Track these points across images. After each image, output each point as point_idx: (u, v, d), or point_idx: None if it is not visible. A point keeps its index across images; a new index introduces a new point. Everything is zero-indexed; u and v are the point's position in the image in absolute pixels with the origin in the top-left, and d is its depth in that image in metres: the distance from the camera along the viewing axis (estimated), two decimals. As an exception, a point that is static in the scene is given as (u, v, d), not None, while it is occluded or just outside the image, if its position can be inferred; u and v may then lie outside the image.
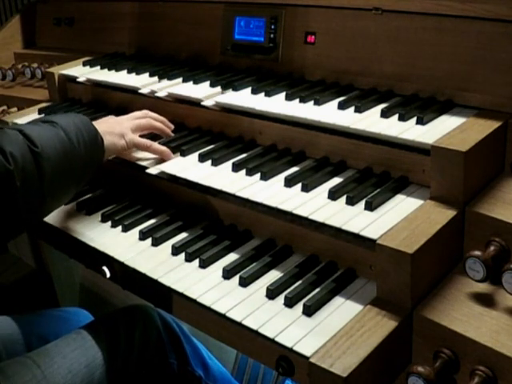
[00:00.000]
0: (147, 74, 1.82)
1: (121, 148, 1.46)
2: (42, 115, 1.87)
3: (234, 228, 1.36)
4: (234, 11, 1.81)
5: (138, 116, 1.56)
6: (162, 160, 1.48)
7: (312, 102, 1.47)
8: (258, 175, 1.36)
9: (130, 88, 1.76)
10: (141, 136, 1.52)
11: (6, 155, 1.17)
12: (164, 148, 1.49)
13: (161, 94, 1.67)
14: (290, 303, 1.11)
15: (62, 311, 1.70)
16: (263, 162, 1.40)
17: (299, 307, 1.10)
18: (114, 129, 1.45)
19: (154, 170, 1.46)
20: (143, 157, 1.51)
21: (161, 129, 1.58)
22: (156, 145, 1.50)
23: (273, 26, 1.72)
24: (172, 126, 1.61)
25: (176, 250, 1.29)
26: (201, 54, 1.91)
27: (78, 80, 1.91)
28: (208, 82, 1.69)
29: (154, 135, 1.58)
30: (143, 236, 1.36)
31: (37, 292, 2.52)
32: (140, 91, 1.72)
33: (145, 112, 1.58)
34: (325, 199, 1.24)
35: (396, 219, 1.14)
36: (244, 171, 1.38)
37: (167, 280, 1.21)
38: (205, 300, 1.15)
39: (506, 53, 1.31)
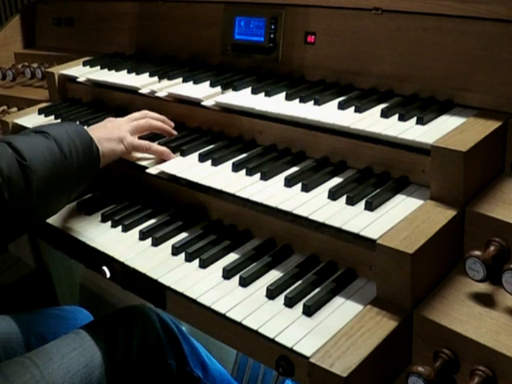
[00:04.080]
0: (147, 74, 1.82)
1: (120, 153, 1.45)
2: (42, 115, 1.87)
3: (234, 228, 1.36)
4: (233, 11, 1.81)
5: (136, 117, 1.54)
6: (162, 160, 1.48)
7: (312, 102, 1.47)
8: (258, 175, 1.36)
9: (130, 88, 1.76)
10: (140, 137, 1.52)
11: None
12: (164, 148, 1.49)
13: (161, 94, 1.67)
14: (289, 303, 1.11)
15: (60, 310, 1.70)
16: (263, 162, 1.40)
17: (299, 307, 1.10)
18: (112, 134, 1.44)
19: (153, 170, 1.46)
20: (143, 157, 1.51)
21: (161, 127, 1.57)
22: (156, 146, 1.50)
23: (273, 26, 1.72)
24: (172, 124, 1.60)
25: (176, 250, 1.29)
26: (201, 54, 1.91)
27: (77, 80, 1.91)
28: (208, 82, 1.69)
29: (154, 135, 1.58)
30: (143, 236, 1.36)
31: (37, 292, 2.52)
32: (140, 91, 1.72)
33: (144, 112, 1.57)
34: (325, 199, 1.24)
35: (396, 219, 1.14)
36: (244, 171, 1.38)
37: (167, 280, 1.21)
38: (205, 300, 1.15)
39: (506, 53, 1.31)
